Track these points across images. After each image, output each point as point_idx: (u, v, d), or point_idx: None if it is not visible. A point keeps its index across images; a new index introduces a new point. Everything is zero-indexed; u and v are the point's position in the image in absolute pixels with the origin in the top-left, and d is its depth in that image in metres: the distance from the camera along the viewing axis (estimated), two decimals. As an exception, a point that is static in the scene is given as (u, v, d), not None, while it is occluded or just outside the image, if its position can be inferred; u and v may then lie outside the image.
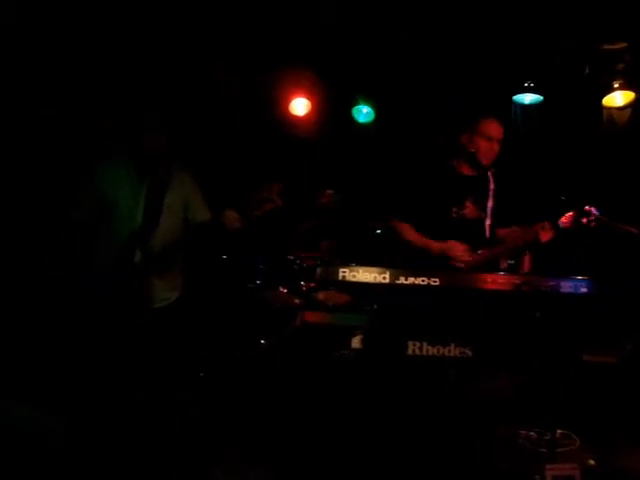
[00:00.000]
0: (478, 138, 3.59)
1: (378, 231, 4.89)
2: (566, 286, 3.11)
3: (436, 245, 3.49)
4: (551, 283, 3.11)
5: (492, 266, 3.69)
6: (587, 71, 4.66)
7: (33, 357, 3.20)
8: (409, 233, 3.59)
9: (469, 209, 3.64)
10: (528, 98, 4.92)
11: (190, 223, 3.28)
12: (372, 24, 4.53)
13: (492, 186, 3.71)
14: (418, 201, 3.58)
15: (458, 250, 3.48)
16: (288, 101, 5.21)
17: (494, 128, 3.61)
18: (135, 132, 3.16)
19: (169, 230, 3.18)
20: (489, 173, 3.71)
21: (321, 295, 4.28)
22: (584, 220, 3.38)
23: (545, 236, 3.45)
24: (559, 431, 3.69)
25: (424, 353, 3.15)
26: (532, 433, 3.64)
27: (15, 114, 3.90)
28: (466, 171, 3.68)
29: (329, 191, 4.45)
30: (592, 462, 3.45)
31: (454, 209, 3.61)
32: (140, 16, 4.13)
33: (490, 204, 3.68)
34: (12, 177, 3.84)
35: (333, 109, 5.29)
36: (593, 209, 3.40)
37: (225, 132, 5.13)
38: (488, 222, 3.68)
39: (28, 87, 3.93)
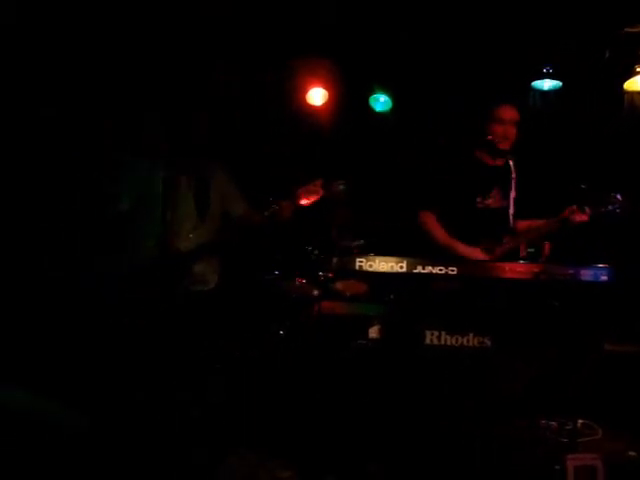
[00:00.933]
0: (493, 123, 3.61)
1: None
2: (586, 274, 3.07)
3: (462, 249, 3.51)
4: (570, 271, 3.07)
5: (512, 254, 3.67)
6: (608, 55, 4.58)
7: (33, 354, 3.24)
8: (436, 229, 3.60)
9: (494, 199, 3.65)
10: (547, 84, 4.87)
11: (230, 215, 3.50)
12: (386, 13, 4.51)
13: (514, 175, 3.69)
14: (444, 191, 3.59)
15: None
16: (305, 91, 5.20)
17: (506, 111, 3.62)
18: (179, 130, 3.36)
19: (216, 220, 3.42)
20: (511, 162, 3.69)
21: (339, 285, 4.27)
22: (609, 208, 3.36)
23: (579, 217, 3.41)
24: (580, 421, 3.65)
25: (442, 343, 3.14)
26: (553, 423, 3.60)
27: (18, 113, 3.94)
28: (489, 161, 3.68)
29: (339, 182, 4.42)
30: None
31: (479, 199, 3.61)
32: (140, 15, 4.16)
33: (513, 193, 3.68)
34: (14, 177, 3.88)
35: (350, 98, 5.27)
36: (618, 196, 3.36)
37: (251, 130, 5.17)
38: (511, 211, 3.68)
39: (29, 86, 3.97)
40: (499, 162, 3.69)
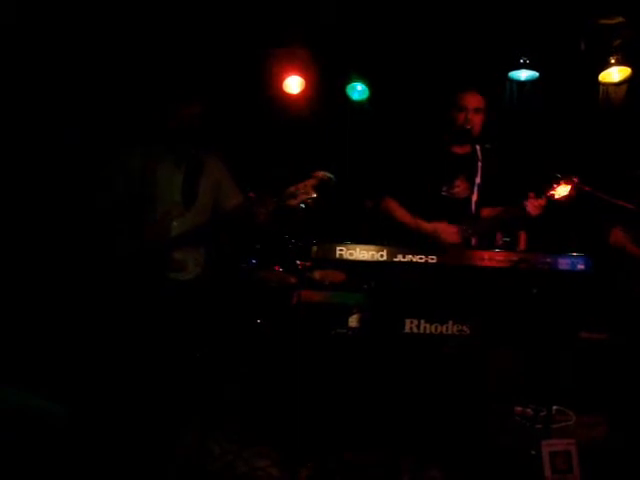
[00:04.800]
0: (455, 111, 3.56)
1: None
2: (563, 263, 3.12)
3: (427, 226, 3.47)
4: (548, 260, 3.11)
5: (488, 243, 3.70)
6: (583, 47, 4.62)
7: (37, 347, 3.20)
8: (399, 212, 3.57)
9: (459, 188, 3.62)
10: (524, 74, 4.91)
11: (221, 206, 3.39)
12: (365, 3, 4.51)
13: (480, 162, 3.68)
14: (409, 179, 3.57)
15: (448, 232, 3.46)
16: (282, 79, 5.17)
17: (467, 98, 3.56)
18: (170, 115, 3.24)
19: (203, 210, 3.31)
20: (478, 149, 3.69)
21: (317, 274, 4.27)
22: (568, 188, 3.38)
23: (534, 209, 3.40)
24: (555, 407, 3.71)
25: (422, 331, 3.15)
26: (528, 409, 3.66)
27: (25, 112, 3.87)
28: (455, 149, 3.65)
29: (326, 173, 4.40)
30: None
31: (444, 188, 3.59)
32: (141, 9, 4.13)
33: (478, 180, 3.65)
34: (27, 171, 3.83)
35: (327, 87, 5.25)
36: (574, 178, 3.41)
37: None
38: (474, 198, 3.65)
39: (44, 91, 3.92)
40: (465, 150, 3.66)
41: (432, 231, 3.45)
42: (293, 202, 3.20)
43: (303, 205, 3.18)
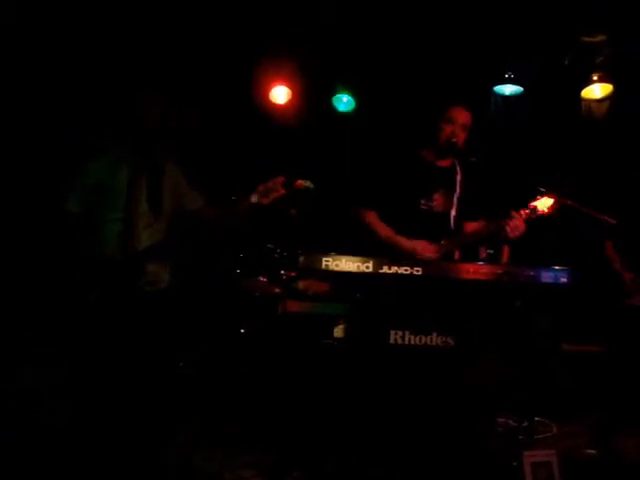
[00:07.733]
0: (442, 124, 3.57)
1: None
2: (546, 276, 3.14)
3: (406, 244, 3.48)
4: (531, 273, 3.14)
5: (472, 256, 3.72)
6: (566, 63, 4.70)
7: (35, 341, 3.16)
8: (379, 226, 3.58)
9: (438, 201, 3.63)
10: (508, 89, 4.97)
11: (184, 210, 3.35)
12: (352, 13, 4.54)
13: (459, 176, 3.69)
14: (387, 191, 3.57)
15: (427, 251, 3.47)
16: (268, 89, 5.19)
17: (457, 113, 3.58)
18: (134, 117, 3.18)
19: (168, 217, 3.27)
20: (457, 164, 3.71)
21: (301, 284, 4.28)
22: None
23: (512, 231, 3.38)
24: (536, 418, 3.74)
25: (406, 342, 3.17)
26: (510, 421, 3.68)
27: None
28: (435, 162, 3.66)
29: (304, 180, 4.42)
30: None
31: (423, 201, 3.60)
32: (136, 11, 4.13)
33: (457, 194, 3.66)
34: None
35: (314, 97, 5.28)
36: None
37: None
38: (454, 213, 3.65)
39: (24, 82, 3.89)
40: (446, 163, 3.68)
41: (410, 249, 3.46)
42: (265, 200, 3.22)
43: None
